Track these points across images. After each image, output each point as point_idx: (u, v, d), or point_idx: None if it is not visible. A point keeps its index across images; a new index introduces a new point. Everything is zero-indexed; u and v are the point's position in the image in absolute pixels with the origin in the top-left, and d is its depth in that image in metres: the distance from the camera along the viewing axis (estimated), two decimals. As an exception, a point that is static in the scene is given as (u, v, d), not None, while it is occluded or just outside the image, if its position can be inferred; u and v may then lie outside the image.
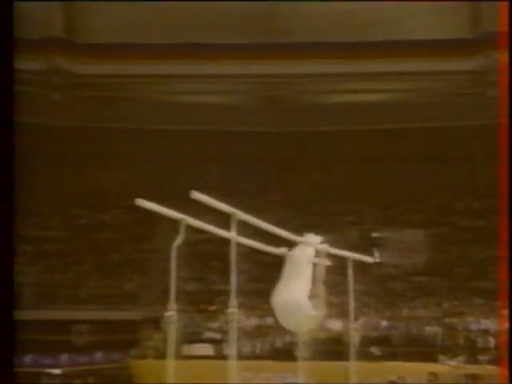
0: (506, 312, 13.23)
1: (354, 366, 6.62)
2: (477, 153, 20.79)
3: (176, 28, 20.77)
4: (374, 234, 20.50)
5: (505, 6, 11.37)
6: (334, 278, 14.00)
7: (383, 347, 16.01)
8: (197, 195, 4.58)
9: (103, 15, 20.96)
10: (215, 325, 16.69)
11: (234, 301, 4.76)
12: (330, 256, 6.48)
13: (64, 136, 21.11)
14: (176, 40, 20.97)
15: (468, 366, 15.40)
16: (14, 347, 4.09)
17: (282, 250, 5.55)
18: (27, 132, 18.68)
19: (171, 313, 4.62)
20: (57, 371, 14.95)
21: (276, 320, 5.48)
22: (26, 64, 19.13)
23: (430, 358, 15.59)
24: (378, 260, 16.94)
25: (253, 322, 16.91)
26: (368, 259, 6.95)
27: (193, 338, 16.04)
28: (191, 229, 4.79)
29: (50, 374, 14.85)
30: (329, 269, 6.77)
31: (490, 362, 15.29)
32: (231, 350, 4.94)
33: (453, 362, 15.73)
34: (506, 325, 14.09)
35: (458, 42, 20.96)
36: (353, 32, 20.66)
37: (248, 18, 20.69)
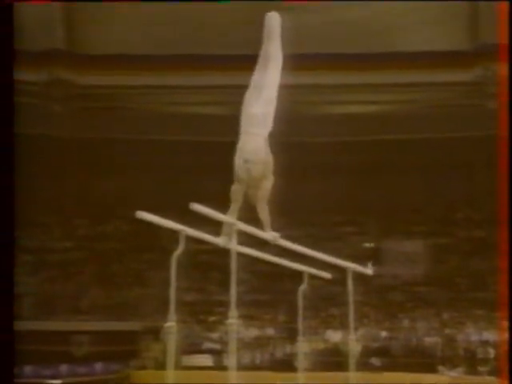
0: (505, 323, 13.23)
1: (353, 376, 6.67)
2: (475, 163, 20.91)
3: (175, 39, 20.88)
4: (374, 245, 20.61)
5: (504, 5, 11.36)
6: (333, 288, 13.93)
7: (383, 358, 16.07)
8: (196, 207, 4.61)
9: (104, 27, 21.08)
10: (215, 335, 16.76)
11: (233, 312, 4.77)
12: (329, 267, 6.54)
13: (65, 146, 21.17)
14: (176, 51, 21.09)
15: (468, 376, 15.44)
16: (15, 358, 4.09)
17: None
18: (28, 143, 18.78)
19: (171, 324, 4.64)
20: (57, 382, 14.99)
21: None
22: (27, 75, 19.28)
23: (430, 368, 15.59)
24: (376, 271, 17.02)
25: (252, 332, 16.99)
26: (368, 271, 6.98)
27: (192, 348, 16.10)
28: (191, 239, 4.83)
29: (50, 385, 14.90)
30: (329, 280, 6.81)
31: (489, 373, 15.34)
32: (231, 360, 4.97)
33: (453, 373, 15.78)
34: (506, 336, 14.13)
35: (456, 54, 21.06)
36: (351, 43, 20.76)
37: (246, 30, 20.78)
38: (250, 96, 5.56)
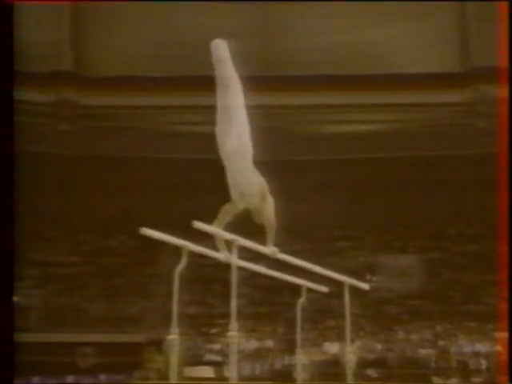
0: (505, 335, 13.34)
1: None
2: (467, 181, 21.26)
3: (179, 61, 21.34)
4: (370, 259, 20.84)
5: (504, 5, 11.66)
6: (331, 301, 14.34)
7: (379, 369, 16.29)
8: (198, 224, 4.76)
9: (110, 50, 21.57)
10: (216, 347, 16.96)
11: (234, 324, 4.82)
12: (327, 281, 6.72)
13: (71, 164, 21.55)
14: (179, 73, 21.54)
15: None
16: (14, 368, 4.19)
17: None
18: (36, 160, 19.26)
19: (173, 336, 4.77)
20: (63, 392, 15.18)
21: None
22: (36, 96, 19.80)
23: (425, 379, 15.84)
24: (372, 284, 17.30)
25: (252, 344, 17.17)
26: (364, 286, 7.14)
27: (194, 360, 16.30)
28: (193, 254, 5.04)
29: (56, 396, 15.06)
30: (326, 293, 6.96)
31: None
32: (232, 371, 5.05)
33: None
34: (504, 348, 14.24)
35: (448, 76, 21.56)
36: (347, 65, 21.25)
37: (248, 52, 21.26)
38: (220, 131, 5.39)
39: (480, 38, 19.94)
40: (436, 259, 20.58)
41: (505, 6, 11.22)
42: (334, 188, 21.68)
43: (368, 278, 18.57)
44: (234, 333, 4.82)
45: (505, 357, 13.07)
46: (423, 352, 16.85)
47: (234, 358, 4.90)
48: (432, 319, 18.12)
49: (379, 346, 17.16)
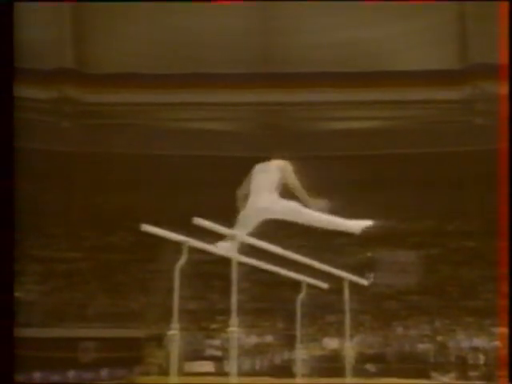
0: (504, 330, 13.40)
1: (350, 382, 6.87)
2: (466, 177, 21.39)
3: (179, 59, 21.50)
4: (369, 255, 20.97)
5: (504, 5, 11.69)
6: (330, 297, 14.51)
7: (378, 364, 16.46)
8: (198, 221, 4.75)
9: (111, 47, 21.70)
10: (216, 342, 17.15)
11: (234, 320, 4.83)
12: (326, 276, 6.68)
13: (73, 161, 21.72)
14: (179, 70, 21.69)
15: (459, 382, 15.84)
16: (14, 363, 4.20)
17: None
18: (39, 158, 19.42)
19: (174, 332, 4.69)
20: (65, 387, 15.31)
21: None
22: (38, 93, 19.95)
23: (423, 374, 16.03)
24: (371, 280, 17.39)
25: (252, 339, 17.37)
26: (363, 281, 7.12)
27: (195, 355, 16.48)
28: (194, 250, 4.97)
29: (57, 390, 15.19)
30: (326, 289, 6.93)
31: (480, 378, 15.74)
32: (232, 366, 5.16)
33: (445, 379, 16.17)
34: (504, 343, 14.34)
35: (447, 73, 21.72)
36: (348, 63, 21.39)
37: (248, 50, 21.45)
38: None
39: (479, 36, 20.08)
40: (434, 255, 20.70)
41: (505, 5, 11.30)
42: (333, 184, 21.76)
43: (373, 276, 18.62)
44: (234, 328, 4.84)
45: (504, 351, 13.22)
46: (422, 347, 17.01)
47: (234, 353, 4.93)
48: (430, 314, 18.25)
49: (378, 341, 17.29)
